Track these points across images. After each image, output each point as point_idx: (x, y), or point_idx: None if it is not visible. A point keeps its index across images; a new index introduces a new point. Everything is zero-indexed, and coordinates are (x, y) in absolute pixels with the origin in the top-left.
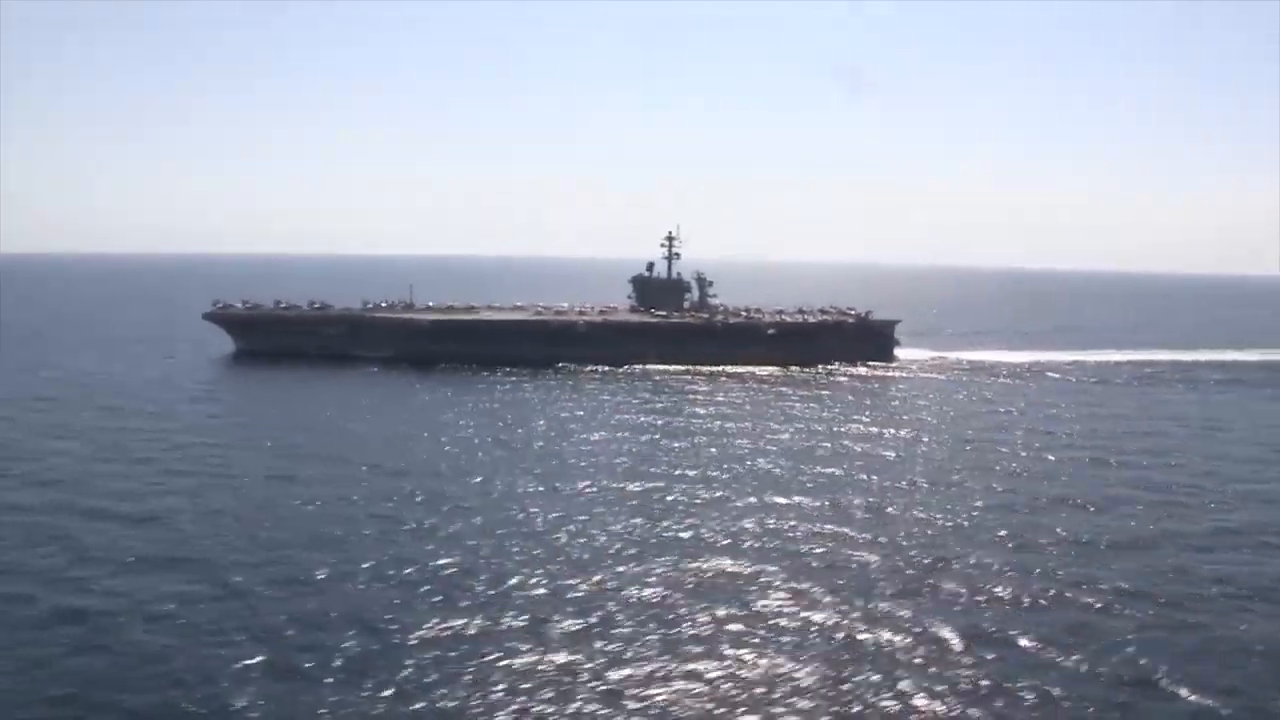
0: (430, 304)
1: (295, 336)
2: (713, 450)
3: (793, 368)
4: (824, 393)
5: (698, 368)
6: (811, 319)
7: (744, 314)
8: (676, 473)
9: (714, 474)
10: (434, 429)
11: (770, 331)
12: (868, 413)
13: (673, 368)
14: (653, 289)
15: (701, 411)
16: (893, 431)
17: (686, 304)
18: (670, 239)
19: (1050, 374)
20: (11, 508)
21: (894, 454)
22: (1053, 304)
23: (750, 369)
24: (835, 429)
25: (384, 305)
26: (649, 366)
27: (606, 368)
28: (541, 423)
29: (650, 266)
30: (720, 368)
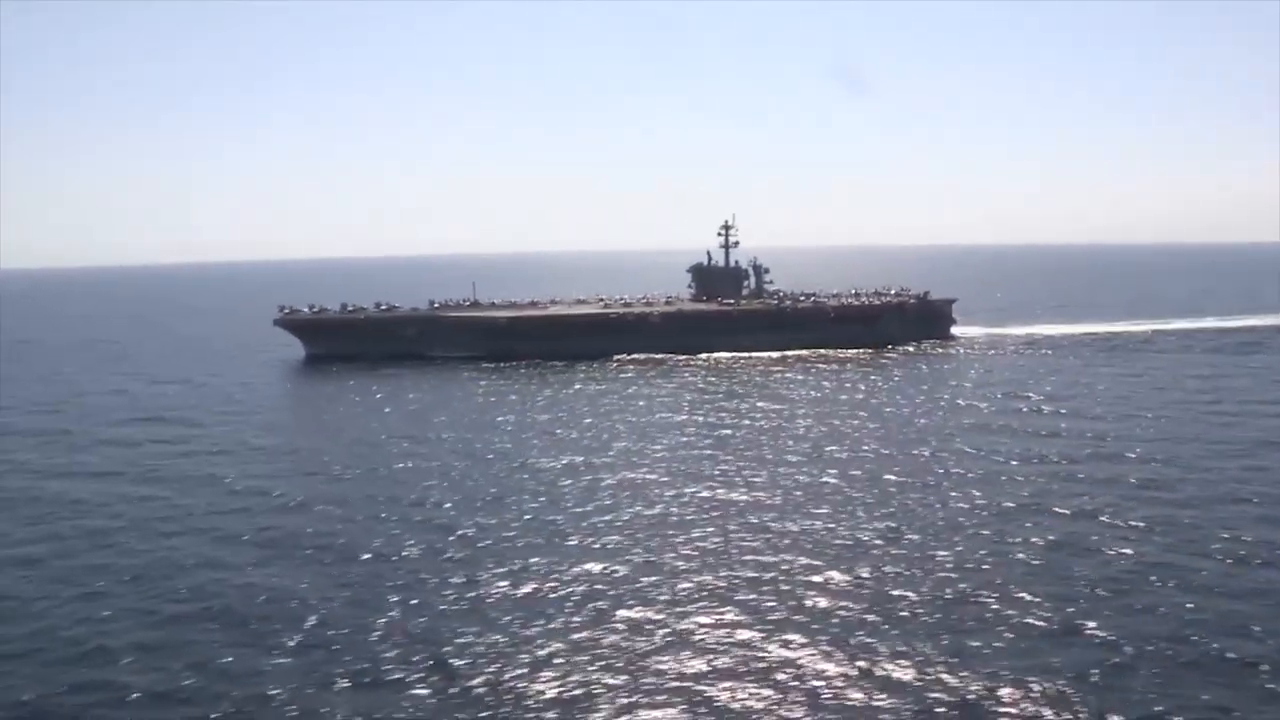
0: (495, 301)
1: (367, 339)
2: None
3: (858, 349)
4: (917, 369)
5: (770, 354)
6: (875, 301)
7: (804, 298)
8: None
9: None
10: (574, 422)
11: (833, 315)
12: (977, 388)
13: (749, 355)
14: (712, 277)
15: (803, 395)
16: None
17: (745, 291)
18: (727, 228)
19: (1125, 345)
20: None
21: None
22: (1082, 279)
23: (819, 352)
24: (960, 407)
25: (451, 304)
26: (722, 355)
27: (683, 357)
28: (682, 415)
29: (709, 255)
30: (790, 353)
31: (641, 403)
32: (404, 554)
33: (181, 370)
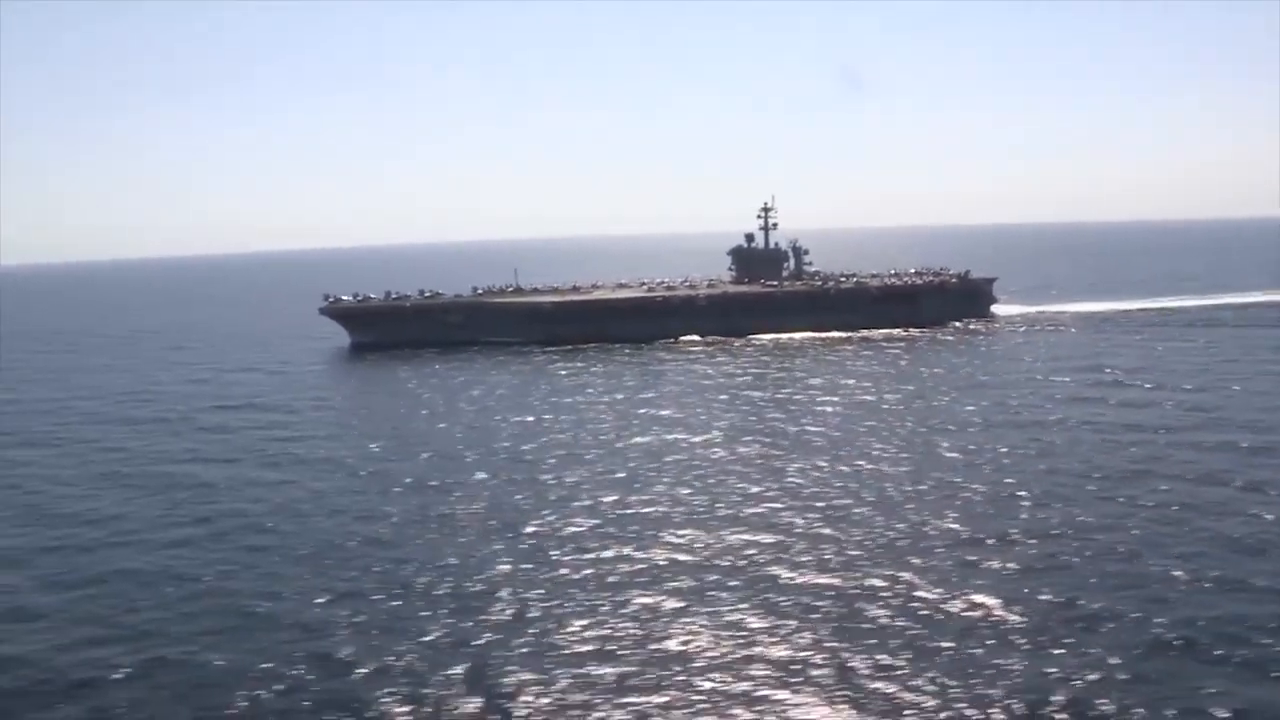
0: (537, 286)
1: (412, 326)
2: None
3: (903, 329)
4: (984, 347)
5: (815, 334)
6: (917, 281)
7: (843, 278)
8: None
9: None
10: (653, 405)
11: (876, 295)
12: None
13: (796, 335)
14: (753, 260)
15: (859, 369)
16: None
17: (785, 273)
18: (766, 210)
19: (1174, 319)
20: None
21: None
22: (1112, 257)
23: (868, 332)
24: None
25: (495, 290)
26: (768, 336)
27: (730, 338)
28: (765, 392)
29: (749, 238)
30: (834, 333)
31: (720, 378)
32: (568, 526)
33: (245, 359)
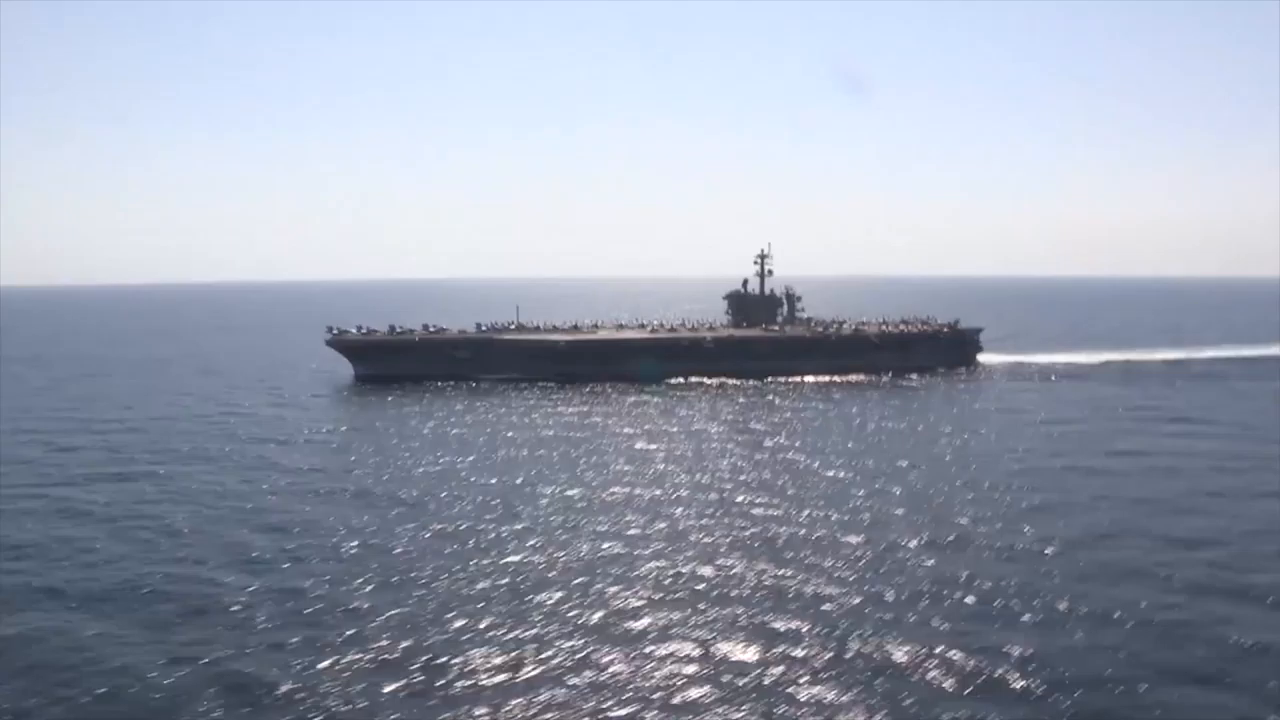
0: (539, 324)
1: (418, 360)
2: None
3: (889, 375)
4: (989, 394)
5: (815, 378)
6: (912, 330)
7: (833, 324)
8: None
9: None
10: (690, 441)
11: (876, 342)
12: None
13: (795, 379)
14: (749, 305)
15: (925, 407)
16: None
17: (779, 319)
18: (763, 256)
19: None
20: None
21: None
22: (1086, 309)
23: (856, 378)
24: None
25: (499, 326)
26: (781, 378)
27: (734, 381)
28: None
29: (745, 283)
30: (829, 377)
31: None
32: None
33: (249, 389)
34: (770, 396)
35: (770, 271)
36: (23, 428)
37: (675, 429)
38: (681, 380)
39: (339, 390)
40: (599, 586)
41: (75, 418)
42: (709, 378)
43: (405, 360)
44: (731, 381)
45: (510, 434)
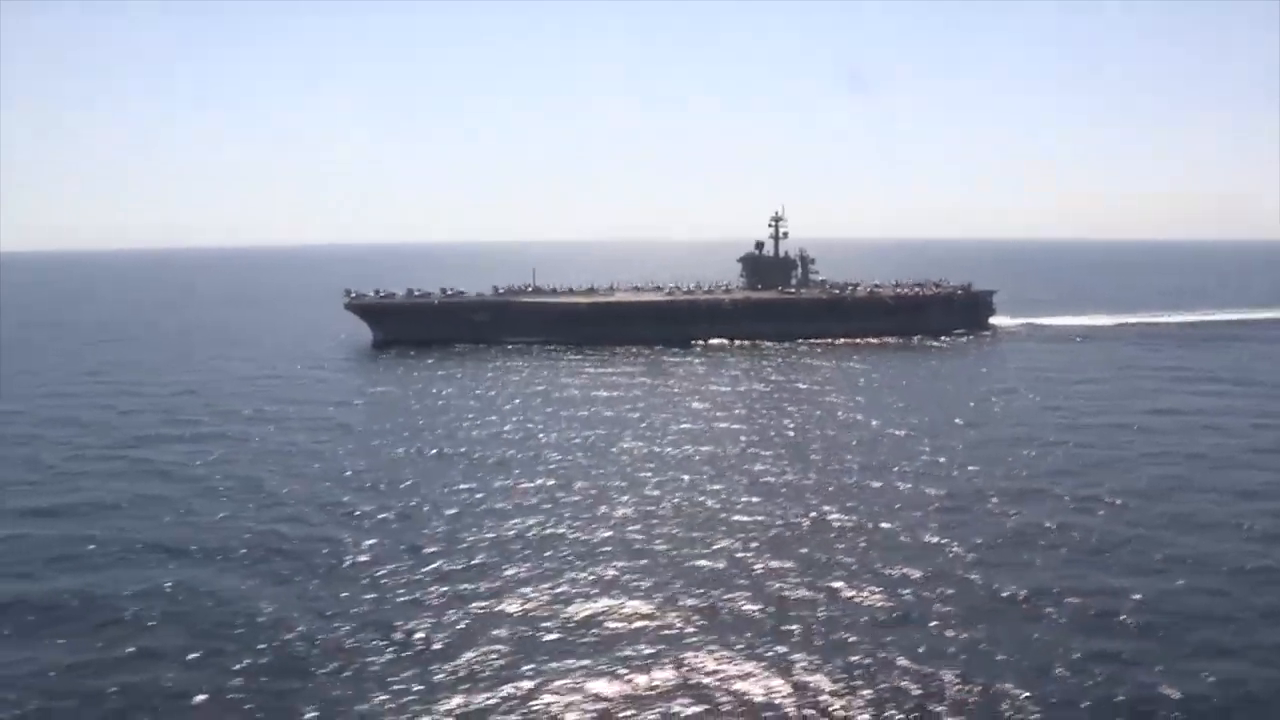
0: (555, 287)
1: (436, 323)
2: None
3: (909, 336)
4: (1021, 356)
5: (833, 340)
6: (925, 293)
7: (849, 287)
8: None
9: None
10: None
11: (890, 304)
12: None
13: (821, 342)
14: (763, 267)
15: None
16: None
17: (794, 281)
18: (777, 219)
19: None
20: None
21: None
22: (1088, 272)
23: (882, 340)
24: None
25: (516, 289)
26: (801, 341)
27: (750, 342)
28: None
29: (759, 246)
30: (846, 340)
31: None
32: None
33: (269, 355)
34: (803, 359)
35: (785, 234)
36: (67, 391)
37: (726, 389)
38: (702, 342)
39: (364, 355)
40: (712, 535)
41: (116, 381)
42: (730, 340)
43: (424, 324)
44: (766, 344)
45: (564, 394)
